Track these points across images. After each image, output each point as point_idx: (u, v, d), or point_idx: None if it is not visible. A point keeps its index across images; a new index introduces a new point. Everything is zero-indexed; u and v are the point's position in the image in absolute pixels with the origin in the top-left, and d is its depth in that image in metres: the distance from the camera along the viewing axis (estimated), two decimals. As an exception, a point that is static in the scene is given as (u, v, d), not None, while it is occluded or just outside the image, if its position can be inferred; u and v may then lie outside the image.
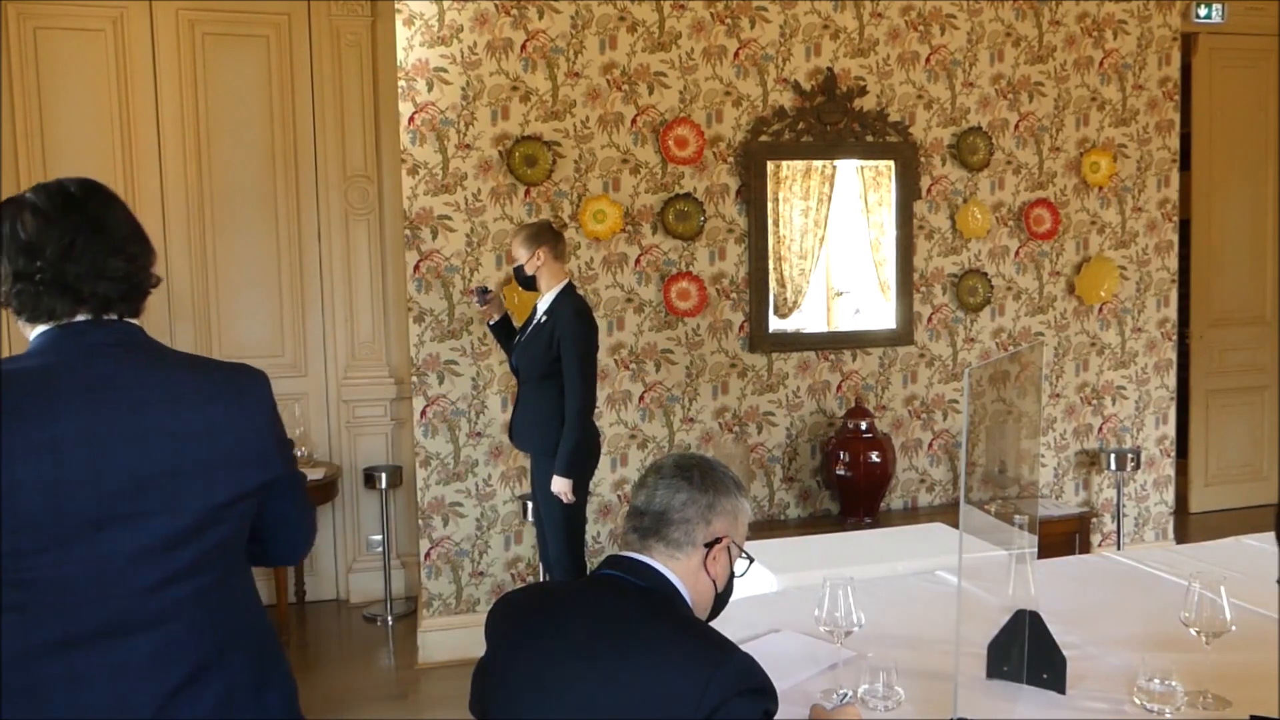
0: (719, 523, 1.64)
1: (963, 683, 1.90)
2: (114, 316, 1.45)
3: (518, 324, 3.92)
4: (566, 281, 3.70)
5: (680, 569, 1.62)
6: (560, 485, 3.58)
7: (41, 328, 1.43)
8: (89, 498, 1.33)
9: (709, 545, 1.63)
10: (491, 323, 3.90)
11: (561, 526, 3.69)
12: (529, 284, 3.70)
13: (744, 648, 1.54)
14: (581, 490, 3.72)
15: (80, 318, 1.42)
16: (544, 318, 3.66)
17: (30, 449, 1.30)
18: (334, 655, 4.53)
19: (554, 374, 3.59)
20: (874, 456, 4.38)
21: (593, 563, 4.25)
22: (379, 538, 4.95)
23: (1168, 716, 1.85)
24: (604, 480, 4.36)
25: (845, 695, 1.93)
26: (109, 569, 1.36)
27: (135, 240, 1.52)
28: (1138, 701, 1.89)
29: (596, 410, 4.29)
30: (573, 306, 3.60)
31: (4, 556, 1.30)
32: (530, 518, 4.08)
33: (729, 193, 4.40)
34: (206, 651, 1.44)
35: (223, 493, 1.43)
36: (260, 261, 4.89)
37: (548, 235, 3.66)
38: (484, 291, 3.83)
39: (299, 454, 4.75)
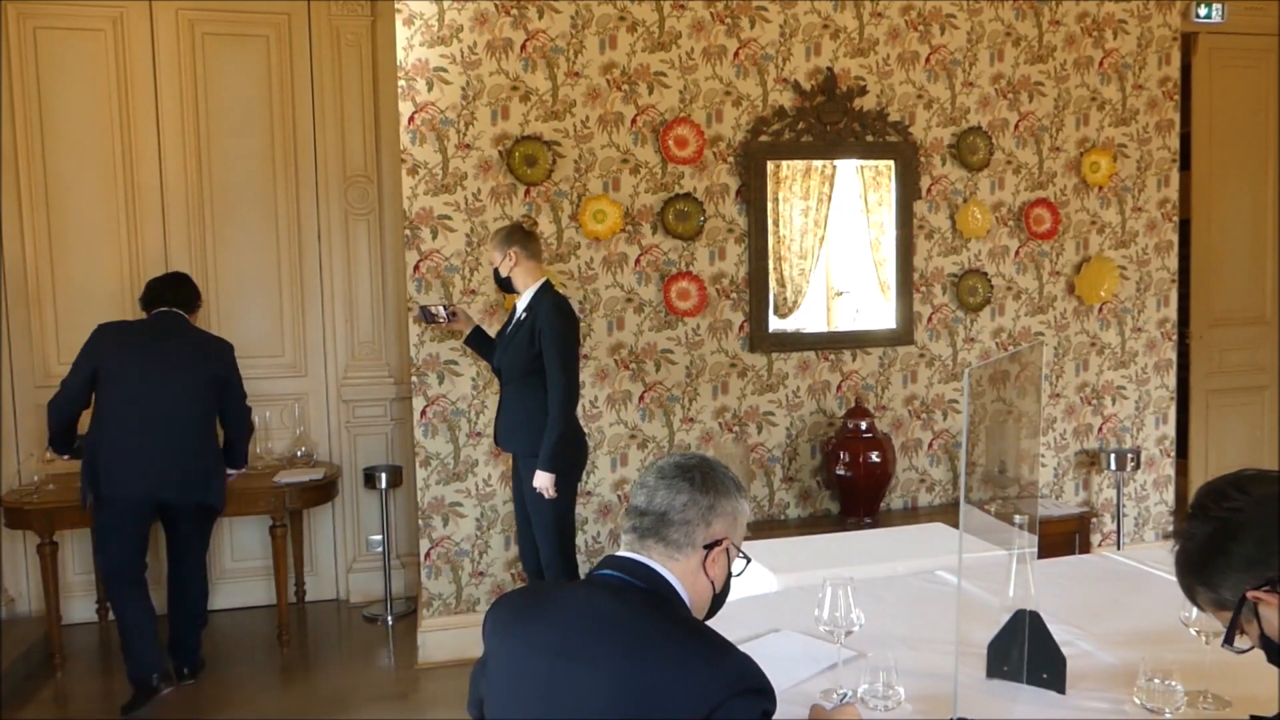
0: (719, 524, 1.64)
1: (963, 683, 1.90)
2: (172, 309, 3.95)
3: (494, 329, 3.99)
4: (544, 280, 3.73)
5: (679, 570, 1.61)
6: (542, 480, 3.57)
7: (154, 312, 3.95)
8: (149, 372, 3.79)
9: (708, 547, 1.63)
10: (466, 337, 3.96)
11: (552, 528, 3.68)
12: (506, 285, 3.75)
13: (744, 648, 1.54)
14: (569, 491, 3.72)
15: (162, 309, 3.94)
16: (524, 315, 3.69)
17: (131, 351, 3.83)
18: (334, 655, 4.53)
19: (537, 370, 3.60)
20: (874, 456, 4.38)
21: (592, 562, 4.25)
22: (379, 538, 4.95)
23: (1168, 716, 1.85)
24: (604, 480, 4.36)
25: (845, 695, 1.94)
26: (152, 400, 3.76)
27: (188, 287, 4.07)
28: (1138, 701, 1.89)
29: (596, 410, 4.30)
30: (552, 301, 3.63)
31: (113, 386, 3.76)
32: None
33: (729, 193, 4.40)
34: (197, 445, 3.86)
35: (202, 378, 3.88)
36: (260, 261, 4.89)
37: (518, 235, 3.71)
38: (428, 312, 3.90)
39: (298, 454, 4.77)
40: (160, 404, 3.78)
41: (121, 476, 3.73)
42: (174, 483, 3.81)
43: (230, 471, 4.19)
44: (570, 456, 3.67)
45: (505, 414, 3.77)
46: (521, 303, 3.72)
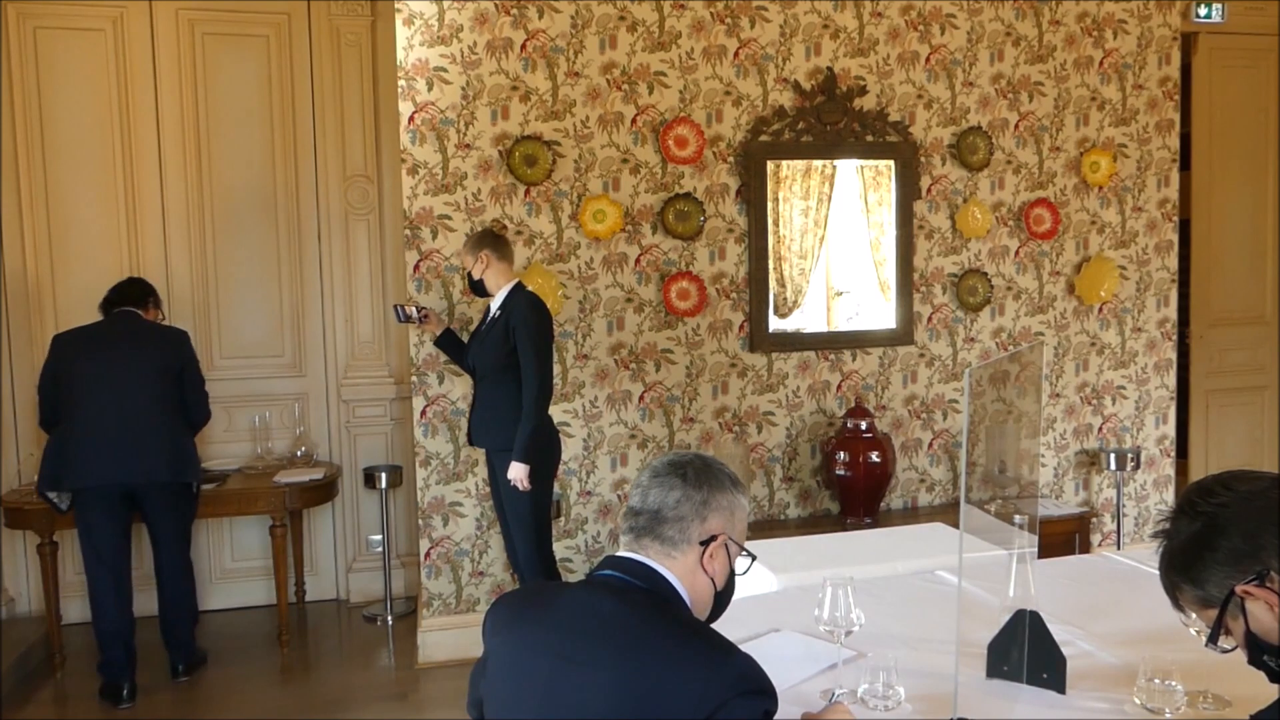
0: (714, 519, 1.63)
1: (963, 683, 1.90)
2: (129, 309, 4.04)
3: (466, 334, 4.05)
4: (516, 281, 3.81)
5: (677, 568, 1.61)
6: (516, 472, 3.62)
7: (110, 314, 4.05)
8: (102, 364, 3.87)
9: (705, 543, 1.62)
10: (435, 338, 4.01)
11: (528, 523, 3.73)
12: (479, 288, 3.82)
13: (744, 648, 1.54)
14: (544, 486, 3.78)
15: (119, 309, 4.03)
16: (498, 312, 3.77)
17: (84, 351, 3.90)
18: (334, 655, 4.53)
19: (512, 366, 3.67)
20: (874, 456, 4.38)
21: (592, 562, 4.25)
22: (379, 538, 4.95)
23: (1168, 716, 1.85)
24: (604, 480, 4.36)
25: (834, 695, 1.93)
26: (108, 389, 3.83)
27: (139, 285, 4.15)
28: (1138, 701, 1.89)
29: (596, 410, 4.30)
30: (526, 299, 3.73)
31: (71, 384, 3.86)
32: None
33: (729, 192, 4.40)
34: (155, 426, 3.88)
35: (155, 364, 3.94)
36: (260, 261, 4.89)
37: (489, 239, 3.81)
38: (403, 311, 3.93)
39: (298, 454, 4.77)
40: (116, 392, 3.84)
41: (86, 466, 3.80)
42: (137, 466, 3.84)
43: None
44: (544, 451, 3.73)
45: (479, 410, 3.84)
46: (495, 303, 3.81)
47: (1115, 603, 2.48)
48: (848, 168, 4.62)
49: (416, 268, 4.14)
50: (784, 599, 2.61)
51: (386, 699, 4.00)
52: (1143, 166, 4.94)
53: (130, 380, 3.88)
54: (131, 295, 4.09)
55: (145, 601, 4.34)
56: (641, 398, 4.38)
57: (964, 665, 1.94)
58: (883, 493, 4.53)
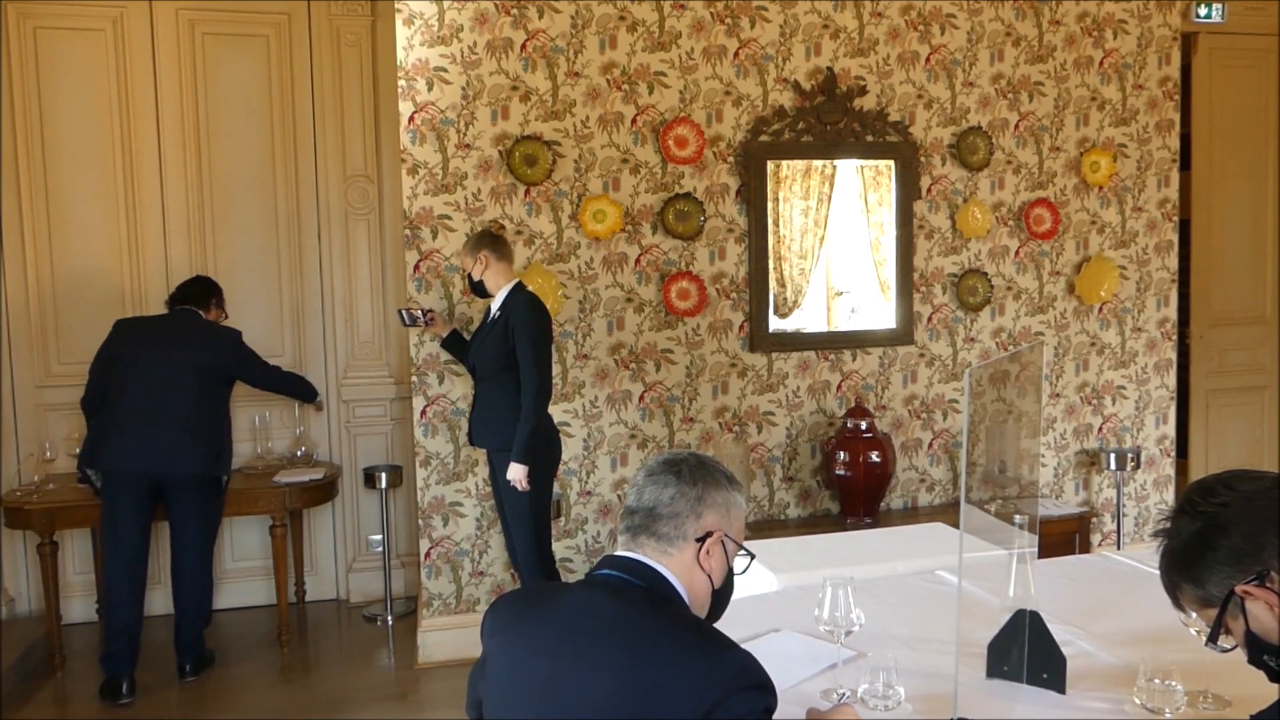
0: (710, 516, 1.63)
1: (963, 683, 1.90)
2: (189, 308, 4.16)
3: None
4: (516, 281, 3.83)
5: (674, 565, 1.60)
6: (515, 472, 3.63)
7: (175, 309, 4.20)
8: (148, 357, 3.97)
9: (701, 540, 1.62)
10: (443, 339, 4.03)
11: (528, 524, 3.74)
12: (479, 289, 3.84)
13: (744, 647, 1.54)
14: (544, 486, 3.79)
15: (181, 307, 4.16)
16: (498, 313, 3.79)
17: (135, 341, 4.03)
18: (334, 655, 4.53)
19: (511, 366, 3.69)
20: (874, 456, 4.38)
21: (592, 562, 4.25)
22: (379, 538, 4.95)
23: (1168, 716, 1.85)
24: (604, 480, 4.36)
25: (843, 695, 1.93)
26: (148, 382, 3.94)
27: (199, 285, 4.26)
28: (1138, 701, 1.89)
29: (596, 410, 4.30)
30: (525, 299, 3.74)
31: (111, 365, 3.98)
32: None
33: (729, 192, 4.40)
34: (184, 425, 3.95)
35: (196, 363, 4.01)
36: (260, 261, 4.89)
37: (487, 240, 3.83)
38: (409, 315, 3.96)
39: (298, 454, 4.77)
40: (152, 386, 3.94)
41: (115, 451, 3.91)
42: (163, 456, 3.92)
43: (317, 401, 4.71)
44: (543, 451, 3.74)
45: (479, 410, 3.86)
46: (495, 303, 3.82)
47: (1115, 603, 2.48)
48: (848, 168, 4.62)
49: (416, 268, 4.14)
50: (784, 599, 2.61)
51: (386, 699, 4.00)
52: (1143, 166, 4.94)
53: (167, 377, 3.96)
54: (192, 294, 4.20)
55: (155, 600, 4.35)
56: (641, 398, 4.38)
57: (964, 665, 1.94)
58: (883, 493, 4.53)
